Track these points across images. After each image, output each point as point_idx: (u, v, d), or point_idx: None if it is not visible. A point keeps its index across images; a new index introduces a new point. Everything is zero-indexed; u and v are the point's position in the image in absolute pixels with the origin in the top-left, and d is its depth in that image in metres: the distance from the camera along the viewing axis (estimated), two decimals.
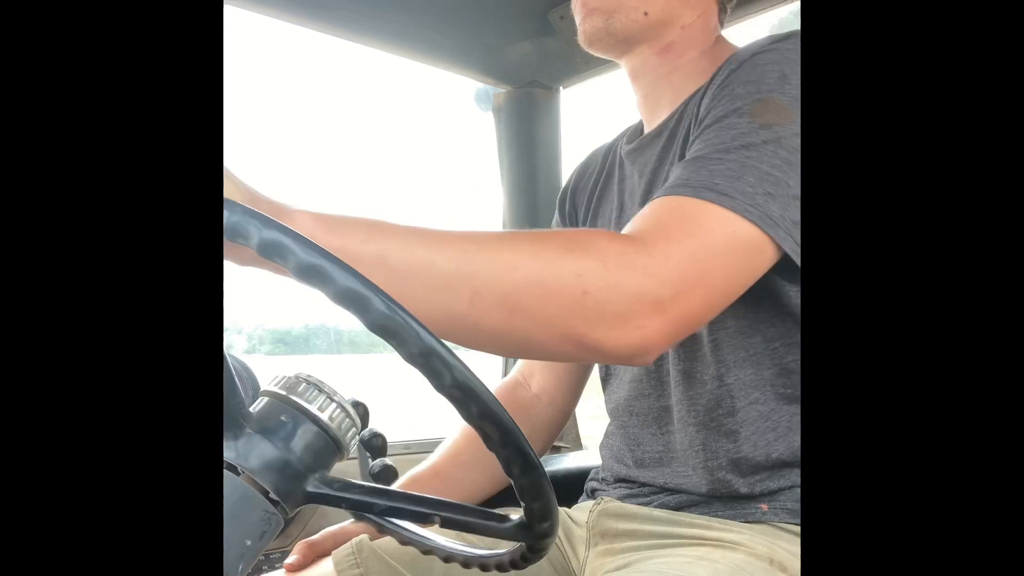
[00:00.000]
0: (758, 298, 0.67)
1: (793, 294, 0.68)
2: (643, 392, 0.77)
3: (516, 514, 0.38)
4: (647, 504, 0.74)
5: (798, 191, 0.56)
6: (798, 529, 0.66)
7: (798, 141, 0.56)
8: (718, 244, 0.54)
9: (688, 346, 0.72)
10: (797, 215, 0.56)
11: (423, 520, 0.37)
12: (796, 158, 0.56)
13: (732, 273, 0.55)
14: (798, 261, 0.56)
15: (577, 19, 0.76)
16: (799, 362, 0.68)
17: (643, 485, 0.76)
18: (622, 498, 0.77)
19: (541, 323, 0.50)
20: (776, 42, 0.63)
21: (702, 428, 0.70)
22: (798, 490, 0.67)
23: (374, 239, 0.47)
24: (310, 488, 0.38)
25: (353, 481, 0.40)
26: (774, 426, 0.68)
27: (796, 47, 0.62)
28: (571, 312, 0.49)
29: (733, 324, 0.69)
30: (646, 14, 0.73)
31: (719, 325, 0.69)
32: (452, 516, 0.37)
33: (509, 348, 0.53)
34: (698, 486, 0.71)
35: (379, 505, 0.37)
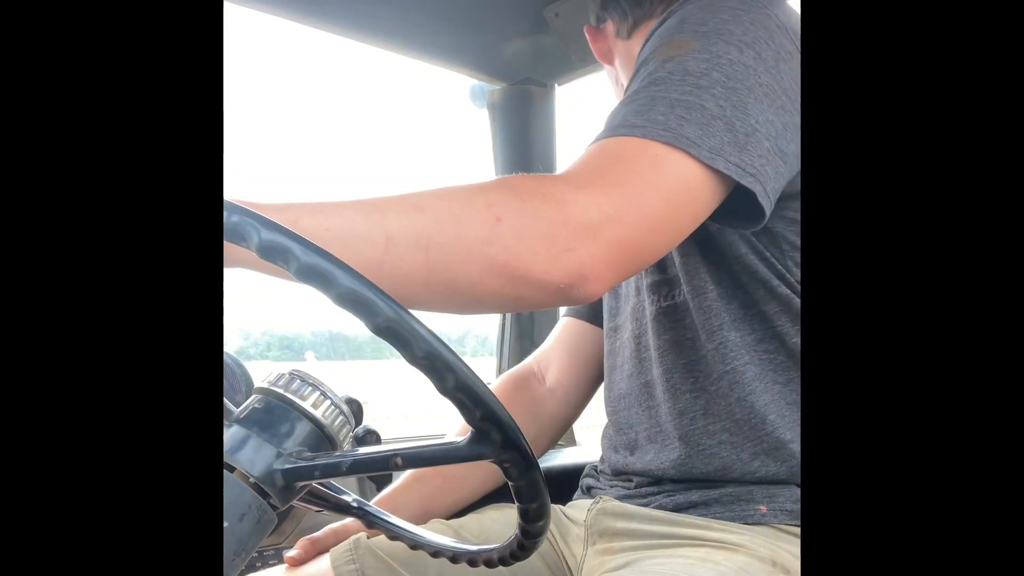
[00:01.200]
0: (728, 265, 0.69)
1: (756, 261, 0.67)
2: (634, 372, 0.77)
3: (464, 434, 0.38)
4: (645, 505, 0.74)
5: (720, 111, 0.54)
6: (798, 531, 0.66)
7: (708, 65, 0.56)
8: (643, 170, 0.53)
9: (669, 316, 0.73)
10: (724, 133, 0.54)
11: (386, 466, 0.37)
12: (707, 81, 0.55)
13: (669, 198, 0.53)
14: (742, 180, 0.54)
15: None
16: (781, 327, 0.68)
17: (639, 476, 0.76)
18: (620, 498, 0.77)
19: (460, 256, 0.48)
20: (678, 2, 0.65)
21: (698, 393, 0.71)
22: (796, 490, 0.67)
23: (286, 210, 0.47)
24: (283, 465, 0.38)
25: (323, 453, 0.40)
26: (765, 388, 0.68)
27: (700, 4, 0.62)
28: (486, 240, 0.48)
29: (712, 289, 0.70)
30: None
31: (700, 290, 0.70)
32: (410, 451, 0.37)
33: (439, 293, 0.50)
34: (690, 459, 0.71)
35: (345, 462, 0.38)
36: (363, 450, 0.39)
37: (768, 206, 0.57)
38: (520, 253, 0.48)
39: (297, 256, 0.31)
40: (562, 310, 0.97)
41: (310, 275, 0.31)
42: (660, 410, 0.74)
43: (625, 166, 0.53)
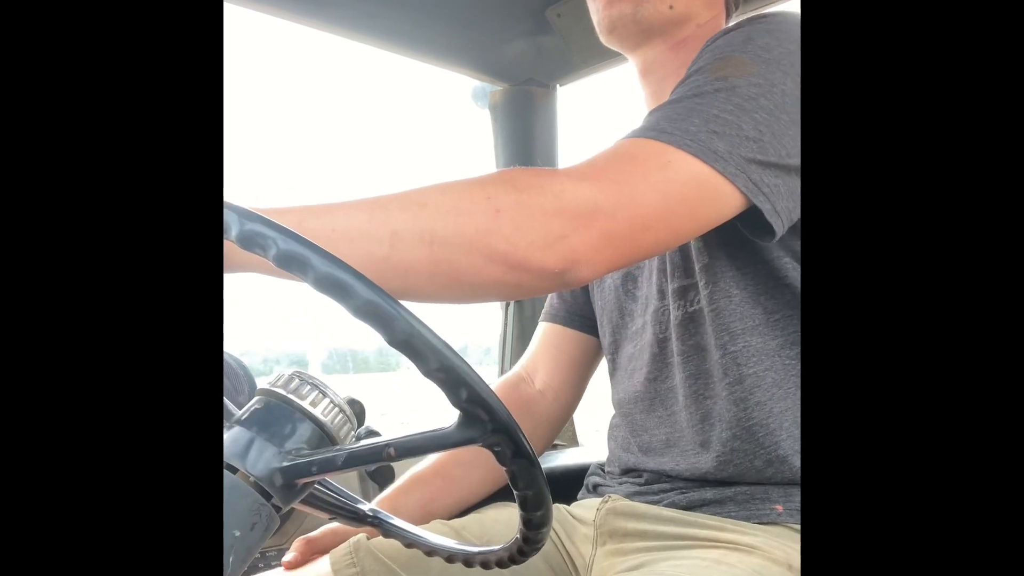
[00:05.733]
0: (756, 270, 0.69)
1: (789, 266, 0.68)
2: (649, 377, 0.77)
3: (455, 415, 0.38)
4: (656, 503, 0.73)
5: (757, 135, 0.56)
6: None
7: (759, 91, 0.58)
8: (650, 170, 0.54)
9: (695, 320, 0.73)
10: (755, 155, 0.56)
11: (380, 457, 0.37)
12: (753, 105, 0.57)
13: (670, 199, 0.55)
14: (759, 203, 0.57)
15: (598, 5, 0.77)
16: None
17: (651, 473, 0.76)
18: (630, 495, 0.77)
19: (462, 248, 0.50)
20: (747, 18, 0.65)
21: (716, 399, 0.71)
22: None
23: (292, 212, 0.49)
24: (281, 463, 0.39)
25: (319, 450, 0.40)
26: (784, 395, 0.68)
27: (769, 20, 0.64)
28: (487, 231, 0.50)
29: (737, 294, 0.70)
30: (671, 7, 0.75)
31: (722, 295, 0.70)
32: (402, 441, 0.37)
33: (443, 284, 0.52)
34: (708, 464, 0.70)
35: (340, 456, 0.38)
36: (356, 444, 0.39)
37: (779, 224, 0.59)
38: (518, 242, 0.51)
39: (316, 269, 0.32)
40: (541, 315, 0.99)
41: (329, 289, 0.32)
42: (680, 416, 0.74)
43: (633, 165, 0.55)
